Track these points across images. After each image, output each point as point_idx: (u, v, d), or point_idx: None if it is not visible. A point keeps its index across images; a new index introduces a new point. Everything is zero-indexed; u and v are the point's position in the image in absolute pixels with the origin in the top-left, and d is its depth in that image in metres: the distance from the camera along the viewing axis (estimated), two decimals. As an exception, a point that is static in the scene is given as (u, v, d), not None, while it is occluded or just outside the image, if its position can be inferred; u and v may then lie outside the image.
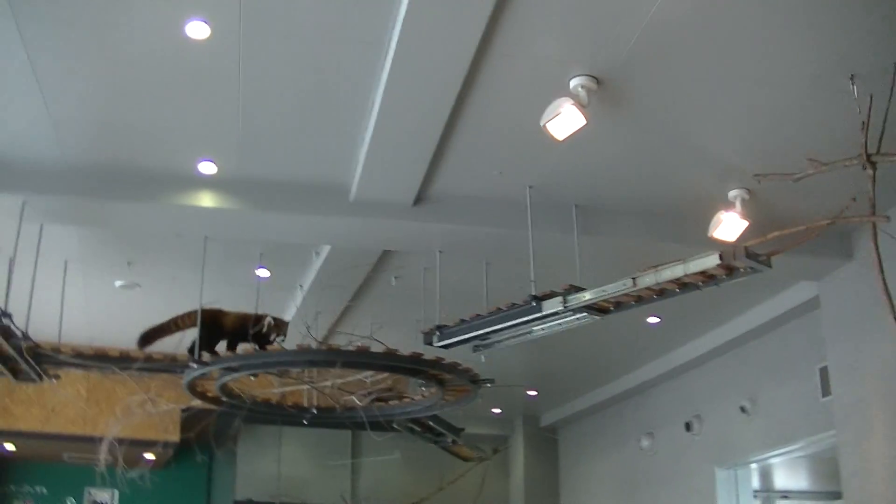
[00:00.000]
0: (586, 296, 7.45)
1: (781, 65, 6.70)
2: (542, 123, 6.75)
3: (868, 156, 6.16)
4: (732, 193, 8.24)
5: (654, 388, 14.52)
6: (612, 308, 7.64)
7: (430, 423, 12.45)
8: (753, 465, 12.76)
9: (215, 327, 8.66)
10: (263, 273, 10.36)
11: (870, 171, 6.19)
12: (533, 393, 16.21)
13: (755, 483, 14.52)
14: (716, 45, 6.48)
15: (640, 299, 7.46)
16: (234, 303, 8.94)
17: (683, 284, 7.15)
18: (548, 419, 17.71)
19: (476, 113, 7.21)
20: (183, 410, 13.05)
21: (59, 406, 13.79)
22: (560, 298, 7.60)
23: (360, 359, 8.46)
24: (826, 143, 7.14)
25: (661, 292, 7.31)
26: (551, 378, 15.37)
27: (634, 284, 7.12)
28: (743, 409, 12.03)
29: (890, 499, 8.52)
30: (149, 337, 8.89)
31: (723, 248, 6.70)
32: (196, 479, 16.66)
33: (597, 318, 7.79)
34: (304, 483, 16.31)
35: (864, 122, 6.29)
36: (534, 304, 7.75)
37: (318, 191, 8.48)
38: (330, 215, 8.54)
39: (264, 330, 8.43)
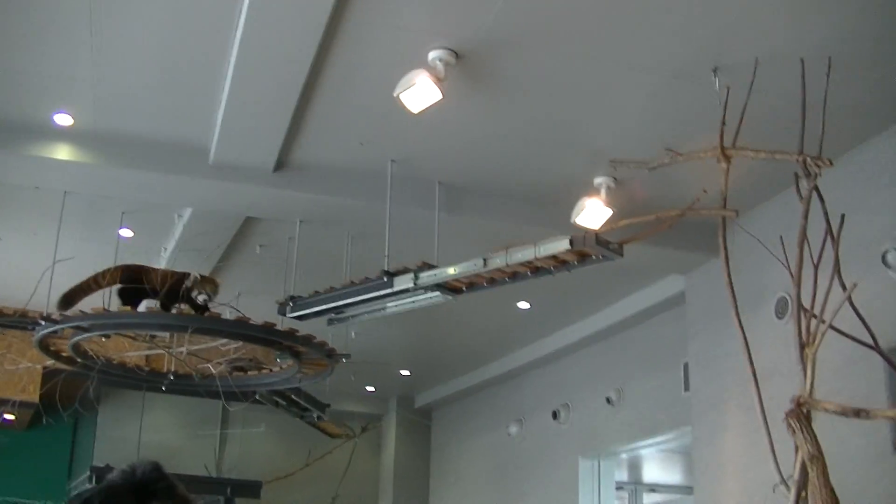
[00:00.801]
0: (437, 274, 7.31)
1: (648, 52, 6.64)
2: (395, 94, 6.57)
3: (723, 149, 6.09)
4: (598, 180, 8.16)
5: (525, 374, 14.45)
6: (464, 288, 7.54)
7: (293, 397, 12.32)
8: (623, 456, 12.79)
9: (139, 284, 8.28)
10: (126, 233, 10.06)
11: (723, 165, 6.12)
12: (405, 373, 16.09)
13: (622, 475, 14.63)
14: (581, 28, 6.38)
15: (493, 281, 7.37)
16: (95, 262, 8.67)
17: (536, 268, 7.08)
18: (422, 400, 17.58)
19: (335, 80, 7.04)
20: (44, 370, 12.76)
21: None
22: (411, 275, 7.47)
23: (211, 325, 8.32)
24: (691, 134, 7.08)
25: (513, 275, 7.23)
26: (426, 359, 15.29)
27: (485, 265, 7.03)
28: (608, 401, 12.00)
29: (738, 495, 8.50)
30: (70, 297, 8.38)
31: (574, 234, 6.59)
32: (60, 443, 16.24)
33: (449, 297, 7.69)
34: (171, 451, 16.00)
35: (723, 116, 6.23)
36: (385, 279, 7.62)
37: (178, 150, 8.24)
38: (189, 176, 8.30)
39: (188, 285, 8.05)
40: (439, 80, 6.49)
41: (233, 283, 10.70)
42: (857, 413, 5.14)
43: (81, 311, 8.07)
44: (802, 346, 5.64)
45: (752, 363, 5.75)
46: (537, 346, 13.52)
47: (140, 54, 7.03)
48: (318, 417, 13.51)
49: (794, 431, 5.43)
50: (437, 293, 7.66)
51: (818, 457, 5.38)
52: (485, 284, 7.42)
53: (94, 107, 7.72)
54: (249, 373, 10.27)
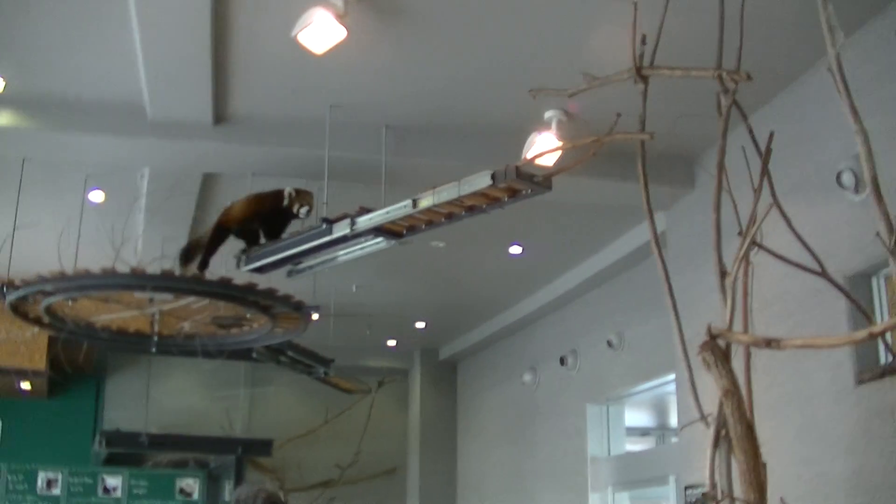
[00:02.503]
0: (371, 218, 7.07)
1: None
2: (293, 35, 6.27)
3: (638, 70, 5.70)
4: (548, 114, 7.86)
5: (535, 322, 14.23)
6: (404, 231, 7.31)
7: (291, 353, 12.16)
8: (644, 399, 12.49)
9: (221, 231, 8.44)
10: (97, 196, 9.89)
11: (640, 86, 5.74)
12: (421, 325, 15.87)
13: (646, 420, 14.33)
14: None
15: (431, 223, 7.13)
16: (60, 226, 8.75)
17: (470, 207, 6.80)
18: (446, 352, 17.40)
19: (244, 25, 6.83)
20: (52, 337, 12.73)
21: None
22: (349, 221, 7.21)
23: (167, 283, 8.22)
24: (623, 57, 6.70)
25: (449, 215, 6.97)
26: (439, 311, 15.13)
27: (415, 206, 6.78)
28: (610, 344, 11.70)
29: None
30: (191, 254, 8.72)
31: (496, 169, 6.29)
32: (83, 409, 16.23)
33: (393, 242, 7.44)
34: (189, 414, 16.02)
35: (643, 35, 5.84)
36: (324, 226, 7.37)
37: (118, 110, 8.09)
38: (129, 135, 8.17)
39: (285, 203, 7.96)
40: (340, 17, 6.17)
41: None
42: (769, 343, 4.77)
43: (39, 275, 7.92)
44: (722, 274, 5.26)
45: (672, 299, 5.37)
46: (544, 293, 13.29)
47: (56, 11, 6.84)
48: (325, 373, 13.31)
49: (707, 365, 5.08)
50: (381, 239, 7.40)
51: (733, 391, 5.02)
52: (423, 227, 7.20)
53: (22, 68, 7.59)
54: (232, 330, 10.13)
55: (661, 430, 15.16)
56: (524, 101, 7.27)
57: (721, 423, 5.05)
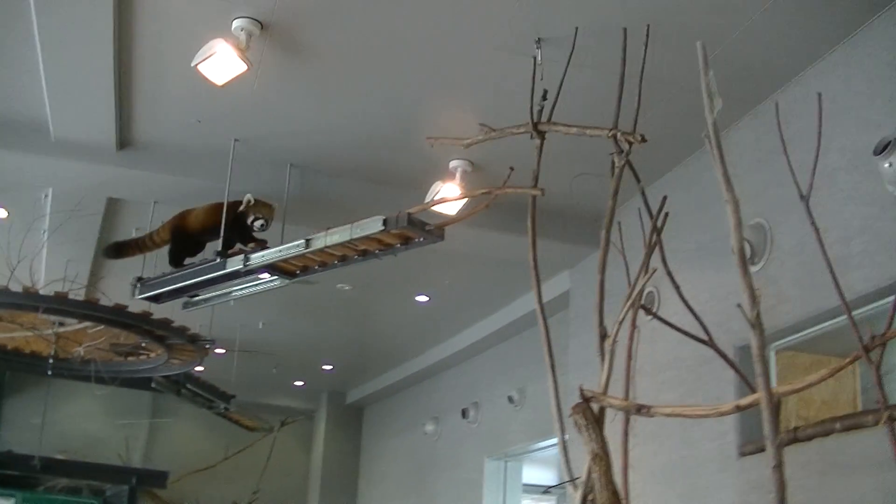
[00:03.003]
0: (265, 256, 6.99)
1: (471, 26, 6.26)
2: (193, 64, 6.20)
3: (534, 125, 5.68)
4: (453, 164, 7.83)
5: (442, 372, 14.21)
6: (298, 272, 7.23)
7: (190, 386, 12.04)
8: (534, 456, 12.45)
9: (182, 233, 7.97)
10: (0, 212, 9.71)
11: (537, 141, 5.72)
12: (328, 367, 15.77)
13: (551, 477, 14.28)
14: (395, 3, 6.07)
15: (325, 264, 7.06)
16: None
17: (363, 251, 6.73)
18: (353, 396, 17.33)
19: (147, 52, 6.76)
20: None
21: None
22: (242, 257, 7.12)
23: (59, 305, 8.13)
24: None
25: (342, 258, 6.90)
26: (347, 354, 15.08)
27: (307, 246, 6.71)
28: (511, 400, 11.64)
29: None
30: (120, 248, 8.38)
31: (388, 215, 6.23)
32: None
33: (287, 281, 7.35)
34: (90, 440, 15.76)
35: (544, 90, 5.83)
36: (218, 260, 7.27)
37: (20, 126, 7.95)
38: (33, 153, 8.02)
39: (241, 209, 7.51)
40: (241, 51, 6.12)
41: (123, 268, 10.38)
42: (639, 409, 4.73)
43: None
44: (602, 337, 5.22)
45: (551, 359, 5.33)
46: (450, 343, 13.28)
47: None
48: (226, 408, 13.18)
49: (578, 428, 5.02)
50: (276, 277, 7.32)
51: (602, 456, 4.97)
52: (317, 268, 7.12)
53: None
54: (129, 358, 10.01)
55: (563, 489, 15.11)
56: (429, 148, 7.26)
57: (588, 488, 5.00)
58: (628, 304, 5.09)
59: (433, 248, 9.19)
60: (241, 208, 7.44)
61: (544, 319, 5.61)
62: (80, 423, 15.88)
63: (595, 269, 8.70)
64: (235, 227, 7.50)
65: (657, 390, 7.93)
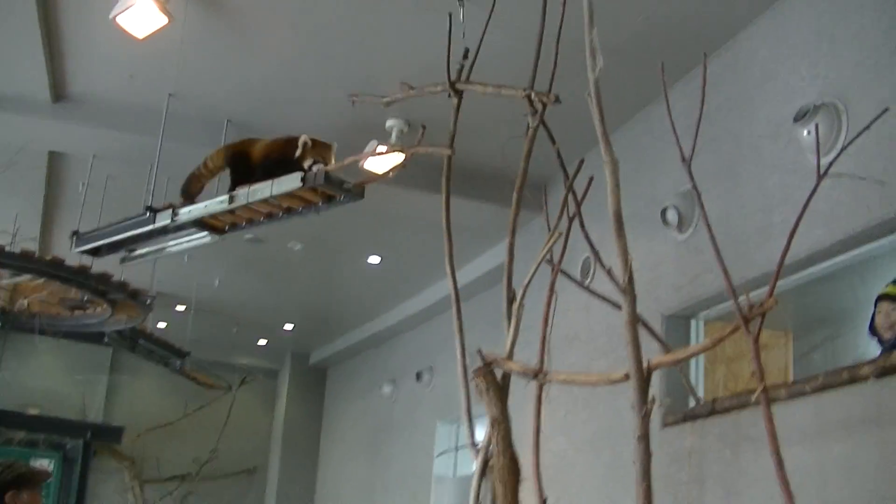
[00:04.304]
0: (191, 210, 6.90)
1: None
2: (111, 16, 6.11)
3: (451, 84, 5.58)
4: (389, 123, 7.73)
5: (400, 334, 14.18)
6: (226, 227, 7.14)
7: (142, 342, 12.00)
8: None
9: (243, 161, 7.15)
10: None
11: (454, 100, 5.62)
12: (289, 327, 15.72)
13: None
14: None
15: (251, 221, 6.97)
16: None
17: (288, 209, 6.64)
18: (316, 357, 17.25)
19: (71, 3, 6.59)
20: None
21: None
22: (171, 211, 7.03)
23: None
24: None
25: (269, 215, 6.82)
26: (312, 315, 15.06)
27: (231, 201, 6.61)
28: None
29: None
30: (187, 187, 7.49)
31: (307, 172, 6.16)
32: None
33: (216, 237, 7.24)
34: (48, 394, 15.72)
35: (465, 49, 5.73)
36: (147, 215, 7.17)
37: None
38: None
39: (298, 153, 6.69)
40: (161, 3, 6.03)
41: (69, 223, 10.32)
42: (535, 374, 4.67)
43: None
44: (509, 301, 5.15)
45: (459, 320, 5.26)
46: (406, 306, 13.22)
47: None
48: (182, 365, 13.13)
49: (479, 392, 4.96)
50: (206, 233, 7.22)
51: (501, 421, 4.91)
52: (244, 224, 7.02)
53: None
54: (76, 312, 9.97)
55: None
56: (366, 108, 7.16)
57: (487, 452, 4.95)
58: (535, 267, 5.02)
59: (382, 210, 9.13)
60: (298, 153, 6.68)
61: (455, 287, 5.53)
62: (37, 378, 15.80)
63: (535, 235, 8.73)
64: (293, 167, 6.69)
65: (590, 357, 7.90)
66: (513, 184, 7.72)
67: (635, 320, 3.72)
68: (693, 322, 7.13)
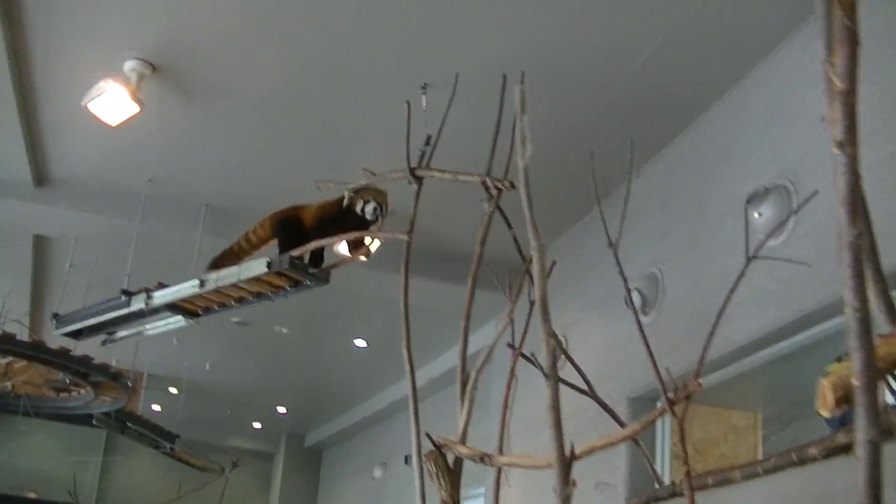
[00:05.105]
0: (164, 295, 6.99)
1: (363, 67, 6.30)
2: (82, 103, 6.26)
3: (411, 169, 5.71)
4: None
5: (392, 416, 14.18)
6: (200, 311, 7.21)
7: (131, 425, 12.05)
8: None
9: (294, 226, 6.72)
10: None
11: (414, 186, 5.74)
12: (283, 410, 15.79)
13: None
14: (287, 43, 6.19)
15: (223, 305, 7.02)
16: None
17: (258, 293, 6.74)
18: (312, 439, 17.25)
19: (47, 93, 6.82)
20: None
21: None
22: (145, 295, 7.13)
23: None
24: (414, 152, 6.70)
25: (239, 299, 6.89)
26: (305, 398, 15.11)
27: (202, 286, 6.69)
28: (448, 446, 11.62)
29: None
30: (218, 263, 6.98)
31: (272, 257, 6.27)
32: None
33: (191, 321, 7.33)
34: (41, 475, 15.75)
35: (428, 136, 5.86)
36: (123, 298, 7.28)
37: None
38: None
39: (346, 202, 6.32)
40: (132, 91, 6.18)
41: (59, 304, 10.45)
42: (482, 458, 4.74)
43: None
44: (463, 383, 5.24)
45: (415, 403, 5.34)
46: (397, 388, 13.23)
47: None
48: (171, 448, 13.16)
49: (430, 475, 5.03)
50: (180, 317, 7.30)
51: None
52: (216, 308, 7.08)
53: None
54: (61, 394, 10.05)
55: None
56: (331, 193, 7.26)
57: (442, 534, 5.00)
58: (487, 352, 5.12)
59: (366, 294, 9.20)
60: (346, 203, 6.32)
61: (412, 372, 5.61)
62: (31, 459, 15.84)
63: (523, 317, 8.81)
64: (349, 220, 6.38)
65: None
66: (497, 267, 7.81)
67: (557, 405, 3.78)
68: (658, 404, 7.18)
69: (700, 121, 6.72)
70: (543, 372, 4.45)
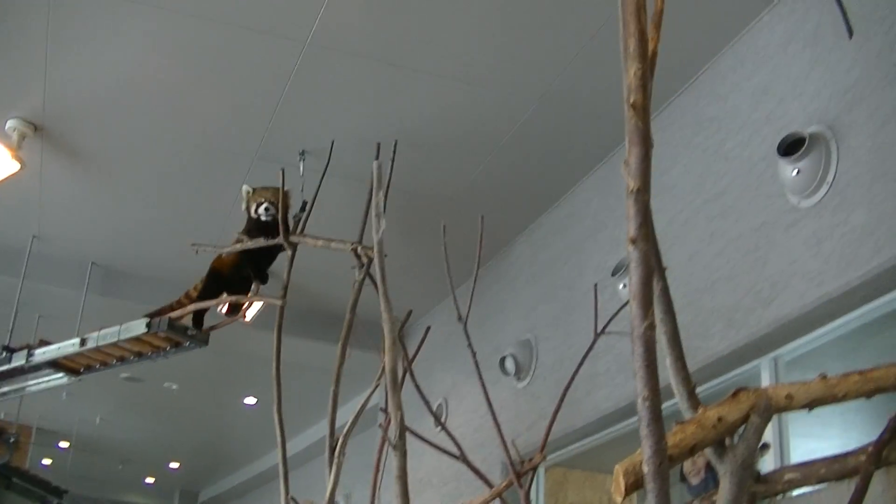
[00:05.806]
0: (46, 352, 7.04)
1: (237, 135, 6.44)
2: (-42, 163, 6.34)
3: (286, 236, 5.87)
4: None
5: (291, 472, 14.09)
6: (81, 369, 7.25)
7: (16, 480, 11.88)
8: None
9: (216, 278, 6.74)
10: None
11: (288, 252, 5.90)
12: (175, 466, 15.71)
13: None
14: (165, 111, 6.30)
15: (105, 363, 7.09)
16: None
17: (139, 353, 6.81)
18: (206, 495, 17.14)
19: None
20: None
21: None
22: (26, 352, 7.16)
23: None
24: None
25: (121, 358, 6.97)
26: (197, 454, 15.03)
27: (83, 344, 6.75)
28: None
29: None
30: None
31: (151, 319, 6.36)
32: None
33: (73, 379, 7.38)
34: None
35: (304, 202, 6.02)
36: (4, 354, 7.29)
37: None
38: None
39: (243, 207, 6.39)
40: (13, 150, 6.27)
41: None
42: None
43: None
44: (331, 448, 5.43)
45: (285, 474, 5.47)
46: (291, 445, 13.15)
47: None
48: (59, 504, 13.01)
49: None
50: (62, 374, 7.34)
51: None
52: (98, 367, 7.15)
53: None
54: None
55: None
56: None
57: None
58: (353, 417, 5.27)
59: (255, 354, 9.25)
60: (243, 206, 6.44)
61: (282, 434, 5.74)
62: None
63: (425, 376, 8.94)
64: (255, 232, 6.38)
65: (442, 502, 8.04)
66: (377, 328, 7.91)
67: (405, 476, 3.97)
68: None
69: (574, 191, 6.91)
70: (391, 442, 4.59)
